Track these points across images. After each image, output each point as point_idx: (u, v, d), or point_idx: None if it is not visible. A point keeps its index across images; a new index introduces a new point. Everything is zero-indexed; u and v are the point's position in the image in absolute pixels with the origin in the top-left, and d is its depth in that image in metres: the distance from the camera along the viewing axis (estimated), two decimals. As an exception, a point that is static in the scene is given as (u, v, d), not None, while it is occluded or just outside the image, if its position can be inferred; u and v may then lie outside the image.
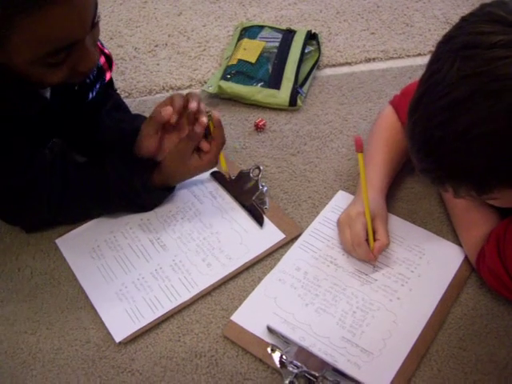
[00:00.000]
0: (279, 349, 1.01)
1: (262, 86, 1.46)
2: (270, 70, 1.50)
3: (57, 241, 1.22)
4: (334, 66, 1.58)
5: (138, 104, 1.50)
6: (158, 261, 1.17)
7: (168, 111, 1.11)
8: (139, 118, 1.26)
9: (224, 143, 1.18)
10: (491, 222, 1.08)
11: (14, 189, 1.11)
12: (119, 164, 1.17)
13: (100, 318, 1.10)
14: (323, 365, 0.99)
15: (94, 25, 0.97)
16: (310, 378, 0.98)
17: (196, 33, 1.71)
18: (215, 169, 1.27)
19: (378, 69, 1.56)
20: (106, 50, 1.25)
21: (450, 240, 1.16)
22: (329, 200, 1.25)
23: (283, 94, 1.45)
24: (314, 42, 1.59)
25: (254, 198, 1.23)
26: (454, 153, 0.80)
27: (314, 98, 1.49)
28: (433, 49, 0.85)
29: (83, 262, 1.18)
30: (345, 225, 1.14)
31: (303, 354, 1.01)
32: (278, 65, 1.50)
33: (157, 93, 1.54)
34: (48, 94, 1.12)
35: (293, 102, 1.44)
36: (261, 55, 1.52)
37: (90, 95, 1.21)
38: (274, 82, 1.47)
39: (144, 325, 1.08)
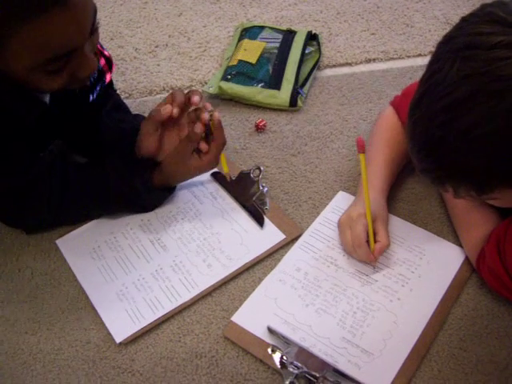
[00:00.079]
0: (280, 349, 1.01)
1: (262, 86, 1.47)
2: (270, 71, 1.50)
3: (57, 241, 1.22)
4: (334, 66, 1.58)
5: (138, 104, 1.50)
6: (158, 261, 1.17)
7: (167, 109, 1.11)
8: (139, 118, 1.26)
9: (225, 144, 1.18)
10: (491, 222, 1.08)
11: (14, 190, 1.11)
12: (119, 164, 1.17)
13: (100, 319, 1.10)
14: (324, 365, 0.99)
15: (94, 31, 0.97)
16: (310, 379, 0.98)
17: (196, 33, 1.71)
18: (216, 169, 1.28)
19: (379, 69, 1.56)
20: (106, 52, 1.25)
21: (450, 241, 1.16)
22: (329, 200, 1.25)
23: (283, 95, 1.45)
24: (315, 43, 1.59)
25: (254, 198, 1.23)
26: (454, 153, 0.80)
27: (315, 99, 1.49)
28: (433, 49, 0.85)
29: (84, 262, 1.18)
30: (345, 226, 1.13)
31: (304, 354, 1.01)
32: (278, 65, 1.50)
33: (157, 93, 1.54)
34: (47, 98, 1.12)
35: (293, 102, 1.44)
36: (261, 56, 1.52)
37: (91, 97, 1.21)
38: (275, 83, 1.47)
39: (144, 325, 1.08)
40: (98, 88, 1.22)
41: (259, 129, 1.41)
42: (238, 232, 1.21)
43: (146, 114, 1.21)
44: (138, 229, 1.23)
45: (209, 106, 1.14)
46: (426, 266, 1.13)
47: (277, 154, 1.36)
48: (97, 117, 1.24)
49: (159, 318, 1.09)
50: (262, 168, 1.25)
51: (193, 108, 1.16)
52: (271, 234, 1.20)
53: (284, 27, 1.62)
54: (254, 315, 1.08)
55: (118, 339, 1.07)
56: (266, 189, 1.25)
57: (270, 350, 1.02)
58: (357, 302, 1.09)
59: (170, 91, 1.52)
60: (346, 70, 1.58)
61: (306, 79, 1.50)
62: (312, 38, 1.60)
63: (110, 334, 1.08)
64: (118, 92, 1.41)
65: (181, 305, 1.11)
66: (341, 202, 1.24)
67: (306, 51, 1.55)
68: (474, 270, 1.11)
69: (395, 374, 0.99)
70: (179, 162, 1.16)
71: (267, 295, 1.11)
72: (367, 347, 1.03)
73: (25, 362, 1.06)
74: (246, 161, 1.34)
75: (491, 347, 1.03)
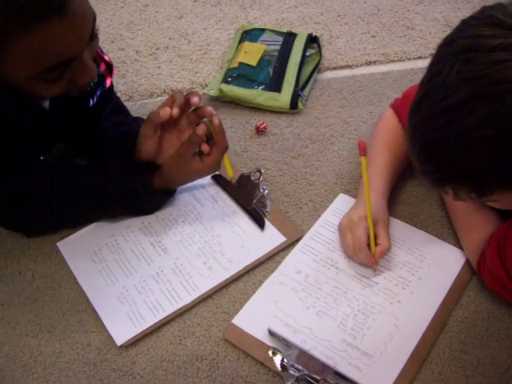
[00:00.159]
0: (280, 352, 1.01)
1: (262, 89, 1.47)
2: (270, 73, 1.50)
3: (58, 244, 1.22)
4: (334, 68, 1.59)
5: (139, 107, 1.51)
6: (159, 264, 1.17)
7: (166, 112, 1.11)
8: (139, 121, 1.26)
9: (227, 148, 1.18)
10: (492, 224, 1.08)
11: (15, 195, 1.11)
12: (120, 168, 1.17)
13: (101, 321, 1.10)
14: (324, 368, 0.99)
15: (93, 37, 0.97)
16: (311, 382, 0.98)
17: (197, 36, 1.71)
18: (216, 172, 1.27)
19: (379, 72, 1.56)
20: (106, 57, 1.25)
21: (450, 243, 1.16)
22: (330, 203, 1.25)
23: (284, 97, 1.45)
24: (315, 45, 1.60)
25: (255, 201, 1.24)
26: (454, 155, 0.80)
27: (315, 101, 1.49)
28: (433, 52, 0.85)
29: (84, 265, 1.18)
30: (346, 229, 1.13)
31: (304, 357, 1.01)
32: (278, 68, 1.51)
33: (158, 96, 1.55)
34: (47, 103, 1.12)
35: (294, 104, 1.45)
36: (262, 58, 1.52)
37: (91, 102, 1.21)
38: (275, 85, 1.47)
39: (145, 328, 1.08)
40: (98, 93, 1.22)
41: (260, 131, 1.41)
42: (238, 234, 1.21)
43: (146, 117, 1.21)
44: (139, 231, 1.23)
45: (210, 110, 1.14)
46: (427, 269, 1.13)
47: (277, 156, 1.36)
48: (97, 121, 1.24)
49: (160, 321, 1.09)
50: (262, 170, 1.25)
51: (192, 109, 1.15)
52: (272, 237, 1.20)
53: (284, 30, 1.63)
54: (255, 318, 1.08)
55: (119, 342, 1.07)
56: (266, 191, 1.25)
57: (270, 353, 1.02)
58: (357, 304, 1.09)
59: (171, 94, 1.53)
60: (346, 72, 1.58)
61: (307, 82, 1.50)
62: (312, 40, 1.60)
63: (110, 336, 1.08)
64: (118, 95, 1.42)
65: (181, 307, 1.11)
66: (341, 204, 1.24)
67: (307, 54, 1.56)
68: (474, 273, 1.11)
69: (396, 376, 0.99)
70: (180, 165, 1.16)
71: (268, 298, 1.11)
72: (368, 350, 1.03)
73: (25, 365, 1.06)
74: (246, 163, 1.34)
75: (492, 350, 1.03)
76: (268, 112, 1.47)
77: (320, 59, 1.57)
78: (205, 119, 1.15)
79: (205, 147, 1.15)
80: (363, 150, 1.03)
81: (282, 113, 1.46)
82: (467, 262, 1.12)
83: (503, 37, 0.76)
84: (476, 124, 0.76)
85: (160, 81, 1.58)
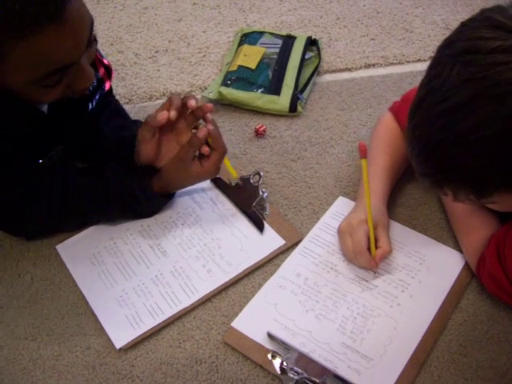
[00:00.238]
0: (280, 355, 1.01)
1: (262, 91, 1.47)
2: (270, 76, 1.50)
3: (57, 247, 1.22)
4: (334, 71, 1.59)
5: (138, 110, 1.51)
6: (158, 267, 1.17)
7: (164, 115, 1.11)
8: (138, 124, 1.26)
9: (225, 152, 1.17)
10: (491, 226, 1.08)
11: (15, 198, 1.11)
12: (119, 171, 1.17)
13: (100, 325, 1.10)
14: (324, 371, 0.99)
15: (90, 43, 0.97)
16: (310, 385, 0.98)
17: (196, 39, 1.71)
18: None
19: (378, 75, 1.56)
20: (105, 61, 1.24)
21: (450, 246, 1.16)
22: (329, 206, 1.25)
23: (283, 100, 1.45)
24: (314, 48, 1.60)
25: (254, 204, 1.23)
26: (453, 156, 0.80)
27: (314, 104, 1.49)
28: (433, 54, 0.85)
29: (83, 268, 1.18)
30: (346, 233, 1.13)
31: (303, 360, 1.01)
32: (278, 71, 1.51)
33: (157, 99, 1.55)
34: (45, 108, 1.12)
35: (293, 107, 1.45)
36: (261, 61, 1.53)
37: (90, 106, 1.21)
38: (274, 88, 1.47)
39: (144, 331, 1.08)
40: (97, 96, 1.22)
41: (259, 134, 1.41)
42: (237, 237, 1.21)
43: (144, 120, 1.21)
44: (138, 234, 1.23)
45: (210, 106, 1.14)
46: (426, 272, 1.13)
47: (276, 159, 1.36)
48: (96, 124, 1.24)
49: (159, 324, 1.09)
50: (261, 173, 1.25)
51: (190, 111, 1.15)
52: (271, 240, 1.20)
53: (284, 32, 1.63)
54: (254, 321, 1.08)
55: (118, 345, 1.07)
56: (265, 194, 1.25)
57: (270, 356, 1.02)
58: (357, 307, 1.09)
59: (168, 97, 1.53)
60: (345, 75, 1.58)
61: (306, 84, 1.50)
62: (312, 43, 1.60)
63: (109, 339, 1.08)
64: (117, 97, 1.42)
65: (181, 310, 1.11)
66: (341, 207, 1.24)
67: (306, 56, 1.56)
68: (473, 276, 1.11)
69: (395, 379, 0.99)
70: (180, 168, 1.16)
71: (267, 301, 1.11)
72: (367, 353, 1.03)
73: (24, 368, 1.06)
74: (245, 166, 1.34)
75: (491, 353, 1.03)
76: (267, 115, 1.47)
77: (319, 62, 1.57)
78: (201, 122, 1.15)
79: (205, 149, 1.15)
80: (364, 152, 1.03)
81: (281, 116, 1.46)
82: (466, 264, 1.12)
83: (503, 39, 0.76)
84: (476, 125, 0.76)
85: (159, 83, 1.58)
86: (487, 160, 0.78)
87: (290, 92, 1.46)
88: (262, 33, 1.63)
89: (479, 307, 1.08)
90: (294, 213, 1.25)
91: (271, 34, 1.62)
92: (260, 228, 1.21)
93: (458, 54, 0.79)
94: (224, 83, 1.49)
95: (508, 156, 0.77)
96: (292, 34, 1.61)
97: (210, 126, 1.13)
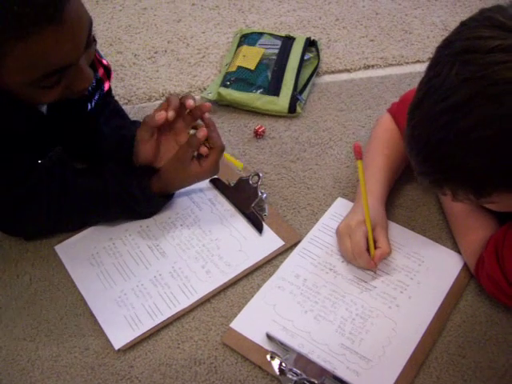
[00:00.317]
0: (278, 356, 1.01)
1: (261, 92, 1.47)
2: (269, 77, 1.50)
3: (56, 247, 1.22)
4: (333, 72, 1.59)
5: (137, 111, 1.51)
6: (157, 268, 1.17)
7: (162, 115, 1.11)
8: (137, 124, 1.26)
9: (223, 150, 1.18)
10: (489, 227, 1.08)
11: (14, 199, 1.11)
12: (118, 171, 1.17)
13: (99, 325, 1.10)
14: (322, 372, 0.99)
15: (89, 44, 0.96)
16: (309, 386, 0.98)
17: (195, 39, 1.71)
18: (215, 175, 1.28)
19: (377, 76, 1.57)
20: (105, 61, 1.24)
21: (448, 247, 1.16)
22: (328, 207, 1.25)
23: (282, 101, 1.45)
24: (314, 49, 1.60)
25: (253, 204, 1.23)
26: (452, 156, 0.80)
27: (314, 105, 1.49)
28: (432, 56, 0.85)
29: (82, 268, 1.18)
30: (344, 234, 1.13)
31: (302, 361, 1.01)
32: (277, 72, 1.51)
33: (156, 99, 1.55)
34: (44, 108, 1.12)
35: (292, 108, 1.45)
36: (260, 62, 1.53)
37: (89, 106, 1.21)
38: (274, 89, 1.47)
39: (143, 332, 1.08)
40: (96, 97, 1.22)
41: (258, 135, 1.41)
42: (236, 238, 1.21)
43: (142, 121, 1.21)
44: (137, 235, 1.23)
45: (208, 105, 1.14)
46: (425, 273, 1.13)
47: (276, 160, 1.36)
48: (95, 124, 1.24)
49: (158, 325, 1.09)
50: (260, 174, 1.25)
51: (188, 111, 1.15)
52: (270, 241, 1.20)
53: (283, 33, 1.63)
54: (253, 322, 1.08)
55: (117, 346, 1.07)
56: (264, 195, 1.25)
57: (268, 357, 1.02)
58: (355, 308, 1.09)
59: (166, 97, 1.53)
60: (344, 76, 1.58)
61: (305, 85, 1.51)
62: (311, 44, 1.60)
63: (108, 340, 1.08)
64: (116, 98, 1.42)
65: (179, 311, 1.11)
66: (339, 208, 1.24)
67: (305, 57, 1.56)
68: (472, 277, 1.11)
69: (394, 380, 0.99)
70: (178, 168, 1.16)
71: (266, 302, 1.11)
72: (366, 354, 1.03)
73: (23, 369, 1.06)
74: (244, 167, 1.34)
75: (490, 354, 1.03)
76: (266, 116, 1.47)
77: (318, 63, 1.57)
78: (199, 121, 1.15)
79: (203, 149, 1.15)
80: (359, 153, 1.03)
81: (280, 116, 1.46)
82: (465, 265, 1.12)
83: (502, 38, 0.76)
84: (475, 125, 0.76)
85: (158, 84, 1.58)
86: (486, 159, 0.78)
87: (289, 93, 1.46)
88: (261, 34, 1.63)
89: (478, 308, 1.08)
90: (292, 214, 1.25)
91: (270, 34, 1.62)
92: (259, 229, 1.21)
93: (457, 53, 0.79)
94: (223, 84, 1.49)
95: (507, 155, 0.77)
96: (291, 34, 1.61)
97: (204, 130, 1.13)
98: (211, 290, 1.13)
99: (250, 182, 1.25)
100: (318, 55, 1.59)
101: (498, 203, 0.89)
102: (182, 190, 1.25)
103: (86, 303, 1.13)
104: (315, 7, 1.79)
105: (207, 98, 1.48)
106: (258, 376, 1.02)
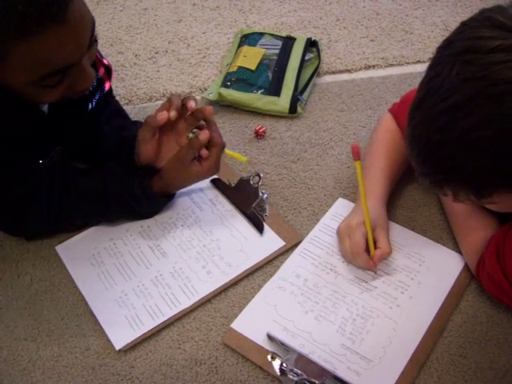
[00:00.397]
0: (279, 356, 1.01)
1: (262, 93, 1.47)
2: (270, 77, 1.50)
3: (57, 248, 1.22)
4: (333, 73, 1.59)
5: (138, 111, 1.51)
6: (158, 268, 1.17)
7: (163, 115, 1.11)
8: (138, 124, 1.26)
9: (224, 147, 1.17)
10: (490, 227, 1.08)
11: (14, 198, 1.11)
12: (119, 171, 1.17)
13: (100, 326, 1.10)
14: (323, 372, 0.99)
15: (92, 43, 0.97)
16: (310, 386, 0.98)
17: (196, 40, 1.71)
18: (215, 176, 1.28)
19: (378, 76, 1.57)
20: (105, 61, 1.25)
21: (449, 247, 1.16)
22: (329, 207, 1.25)
23: (283, 101, 1.45)
24: (314, 49, 1.60)
25: (254, 205, 1.24)
26: (453, 156, 0.80)
27: (314, 105, 1.49)
28: (432, 56, 0.85)
29: (83, 269, 1.18)
30: (344, 234, 1.14)
31: (303, 361, 1.01)
32: (278, 72, 1.51)
33: (157, 100, 1.55)
34: (46, 108, 1.13)
35: (293, 109, 1.45)
36: (261, 62, 1.53)
37: (90, 106, 1.21)
38: (274, 89, 1.47)
39: (144, 332, 1.08)
40: (96, 96, 1.22)
41: (259, 135, 1.41)
42: (237, 239, 1.21)
43: (143, 121, 1.21)
44: (138, 235, 1.23)
45: (210, 109, 1.14)
46: (426, 273, 1.13)
47: (276, 160, 1.36)
48: (96, 124, 1.24)
49: (159, 325, 1.09)
50: (261, 175, 1.25)
51: (190, 112, 1.15)
52: (271, 241, 1.20)
53: (284, 34, 1.63)
54: (254, 322, 1.08)
55: (118, 346, 1.07)
56: (265, 195, 1.25)
57: (269, 357, 1.02)
58: (356, 308, 1.09)
59: (168, 97, 1.53)
60: (345, 76, 1.58)
61: (306, 86, 1.51)
62: (312, 44, 1.60)
63: (109, 340, 1.08)
64: (117, 98, 1.42)
65: (180, 311, 1.11)
66: (340, 208, 1.24)
67: (306, 58, 1.56)
68: (473, 277, 1.11)
69: (395, 381, 0.99)
70: (179, 169, 1.16)
71: (267, 302, 1.11)
72: (367, 354, 1.03)
73: (24, 369, 1.06)
74: (245, 167, 1.34)
75: (491, 354, 1.03)
76: (267, 116, 1.47)
77: (319, 63, 1.57)
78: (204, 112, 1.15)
79: (204, 152, 1.15)
80: (357, 154, 1.04)
81: (281, 117, 1.46)
82: (466, 266, 1.12)
83: (503, 38, 0.76)
84: (476, 125, 0.76)
85: (159, 84, 1.58)
86: (487, 160, 0.78)
87: (290, 93, 1.46)
88: (261, 34, 1.63)
89: (479, 308, 1.08)
90: (293, 214, 1.25)
91: (271, 35, 1.62)
92: (260, 229, 1.21)
93: (458, 53, 0.79)
94: (224, 84, 1.49)
95: (508, 156, 0.77)
96: (292, 35, 1.61)
97: (206, 132, 1.14)
98: (212, 290, 1.13)
99: (251, 182, 1.25)
100: (319, 55, 1.59)
101: (499, 203, 0.89)
102: (183, 190, 1.25)
103: (86, 303, 1.13)
104: (316, 7, 1.79)
105: (208, 99, 1.48)
106: (258, 376, 1.02)
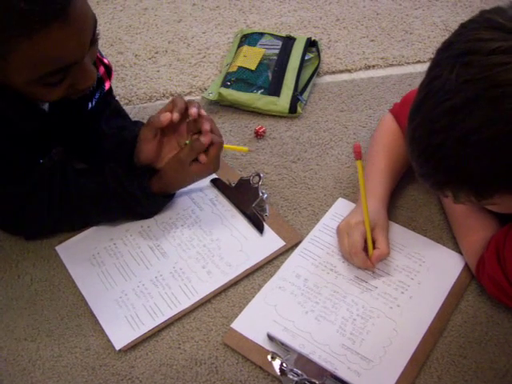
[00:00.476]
0: (279, 356, 1.01)
1: (262, 93, 1.47)
2: (269, 77, 1.50)
3: (57, 248, 1.22)
4: (333, 73, 1.59)
5: (138, 111, 1.51)
6: (158, 268, 1.17)
7: (167, 116, 1.11)
8: (139, 125, 1.27)
9: (222, 144, 1.17)
10: (490, 227, 1.08)
11: (15, 197, 1.12)
12: (119, 171, 1.17)
13: (100, 326, 1.10)
14: (323, 372, 0.99)
15: (93, 42, 0.97)
16: (310, 386, 0.98)
17: (196, 40, 1.71)
18: (215, 176, 1.28)
19: (378, 76, 1.56)
20: (106, 60, 1.25)
21: (449, 247, 1.16)
22: (329, 207, 1.25)
23: (283, 101, 1.45)
24: (314, 49, 1.60)
25: (254, 205, 1.24)
26: (454, 158, 0.80)
27: (314, 105, 1.49)
28: (432, 56, 0.85)
29: (83, 269, 1.18)
30: (344, 233, 1.14)
31: (303, 361, 1.01)
32: (277, 72, 1.51)
33: (157, 99, 1.55)
34: (46, 106, 1.13)
35: (293, 109, 1.45)
36: (261, 62, 1.53)
37: (90, 105, 1.21)
38: (274, 89, 1.47)
39: (144, 332, 1.08)
40: (96, 96, 1.22)
41: (259, 135, 1.41)
42: (237, 238, 1.21)
43: (145, 121, 1.21)
44: (138, 235, 1.23)
45: (207, 125, 1.14)
46: (426, 273, 1.13)
47: (276, 160, 1.36)
48: (96, 124, 1.24)
49: (159, 325, 1.09)
50: (261, 174, 1.25)
51: (191, 119, 1.15)
52: (271, 241, 1.20)
53: (283, 34, 1.63)
54: (254, 322, 1.08)
55: (118, 346, 1.07)
56: (265, 195, 1.25)
57: (269, 357, 1.02)
58: (356, 308, 1.09)
59: (170, 97, 1.53)
60: (345, 76, 1.58)
61: (306, 86, 1.50)
62: (311, 44, 1.60)
63: (109, 340, 1.08)
64: (117, 98, 1.42)
65: (180, 312, 1.11)
66: (340, 208, 1.24)
67: (306, 58, 1.56)
68: (473, 277, 1.11)
69: (395, 381, 0.99)
70: (179, 169, 1.16)
71: (267, 302, 1.11)
72: (367, 354, 1.03)
73: (24, 369, 1.06)
74: (245, 167, 1.34)
75: (491, 354, 1.03)
76: (267, 116, 1.47)
77: (319, 63, 1.57)
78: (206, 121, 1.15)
79: (202, 157, 1.15)
80: (358, 153, 1.04)
81: (280, 117, 1.46)
82: (466, 266, 1.12)
83: (502, 40, 0.76)
84: (476, 127, 0.76)
85: (159, 84, 1.58)
86: (487, 161, 0.78)
87: (290, 93, 1.46)
88: (261, 34, 1.62)
89: (479, 309, 1.08)
90: (293, 214, 1.25)
91: (271, 35, 1.62)
92: (260, 229, 1.21)
93: (458, 55, 0.79)
94: (224, 84, 1.49)
95: (508, 157, 0.77)
96: (292, 35, 1.61)
97: (207, 137, 1.13)
98: (212, 290, 1.13)
99: (251, 182, 1.25)
100: (319, 55, 1.59)
101: (500, 204, 0.89)
102: (183, 190, 1.25)
103: (86, 303, 1.13)
104: (316, 7, 1.79)
105: (208, 99, 1.48)
106: (258, 376, 1.02)
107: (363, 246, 1.10)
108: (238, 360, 1.05)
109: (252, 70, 1.51)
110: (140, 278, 1.16)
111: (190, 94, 1.56)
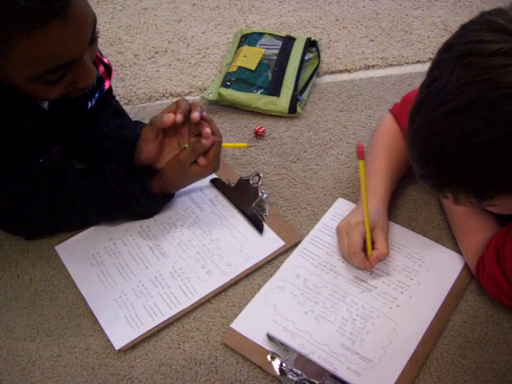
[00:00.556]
0: (279, 356, 1.01)
1: (261, 93, 1.47)
2: (269, 77, 1.50)
3: (56, 248, 1.22)
4: (333, 73, 1.59)
5: (137, 111, 1.51)
6: (157, 268, 1.17)
7: (170, 117, 1.11)
8: (139, 125, 1.26)
9: (221, 143, 1.17)
10: (490, 228, 1.08)
11: (14, 197, 1.12)
12: (118, 171, 1.17)
13: (99, 326, 1.10)
14: (323, 372, 0.99)
15: (93, 40, 0.97)
16: (309, 386, 0.98)
17: (196, 40, 1.71)
18: (215, 176, 1.28)
19: (378, 76, 1.57)
20: (105, 59, 1.25)
21: (449, 248, 1.16)
22: (328, 207, 1.25)
23: (283, 101, 1.45)
24: (314, 49, 1.60)
25: (253, 205, 1.24)
26: (454, 159, 0.80)
27: (314, 105, 1.49)
28: (432, 56, 0.86)
29: (83, 269, 1.18)
30: (343, 233, 1.14)
31: (303, 361, 1.01)
32: (277, 72, 1.51)
33: (157, 99, 1.55)
34: (46, 105, 1.13)
35: (292, 109, 1.45)
36: (260, 62, 1.53)
37: (89, 104, 1.21)
38: (274, 89, 1.47)
39: (144, 332, 1.08)
40: (96, 95, 1.22)
41: (258, 135, 1.41)
42: (237, 238, 1.21)
43: (145, 121, 1.21)
44: (138, 235, 1.23)
45: (207, 131, 1.14)
46: (426, 273, 1.13)
47: (276, 160, 1.36)
48: (95, 124, 1.24)
49: (158, 325, 1.09)
50: (261, 174, 1.25)
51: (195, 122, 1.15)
52: (270, 241, 1.20)
53: (283, 34, 1.63)
54: (254, 322, 1.08)
55: (118, 346, 1.07)
56: (265, 195, 1.25)
57: (269, 357, 1.02)
58: (356, 308, 1.09)
59: (170, 97, 1.53)
60: (345, 76, 1.58)
61: (306, 86, 1.50)
62: (311, 44, 1.60)
63: (109, 340, 1.08)
64: (117, 98, 1.41)
65: (180, 311, 1.11)
66: (340, 208, 1.24)
67: (306, 58, 1.56)
68: (473, 277, 1.11)
69: (395, 381, 0.99)
70: (179, 170, 1.16)
71: (266, 302, 1.11)
72: (366, 354, 1.03)
73: (24, 369, 1.06)
74: (245, 167, 1.34)
75: (490, 354, 1.03)
76: (267, 116, 1.47)
77: (319, 63, 1.57)
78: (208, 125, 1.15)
79: (201, 160, 1.15)
80: (361, 153, 1.04)
81: (280, 117, 1.46)
82: (466, 266, 1.12)
83: (503, 41, 0.76)
84: (476, 129, 0.76)
85: (159, 84, 1.58)
86: (488, 163, 0.78)
87: (290, 93, 1.46)
88: (261, 34, 1.62)
89: (478, 309, 1.08)
90: (293, 214, 1.25)
91: (271, 35, 1.62)
92: (259, 229, 1.21)
93: (458, 56, 0.79)
94: (223, 84, 1.49)
95: (508, 159, 0.77)
96: (291, 35, 1.61)
97: (208, 140, 1.13)
98: (212, 290, 1.13)
99: (251, 182, 1.25)
100: (319, 55, 1.59)
101: (500, 206, 0.89)
102: (183, 189, 1.25)
103: (86, 303, 1.13)
104: (315, 7, 1.79)
105: (208, 99, 1.48)
106: (258, 376, 1.02)
107: (362, 246, 1.10)
108: (237, 360, 1.05)
109: (252, 70, 1.51)
110: (140, 277, 1.16)
111: (189, 93, 1.56)
